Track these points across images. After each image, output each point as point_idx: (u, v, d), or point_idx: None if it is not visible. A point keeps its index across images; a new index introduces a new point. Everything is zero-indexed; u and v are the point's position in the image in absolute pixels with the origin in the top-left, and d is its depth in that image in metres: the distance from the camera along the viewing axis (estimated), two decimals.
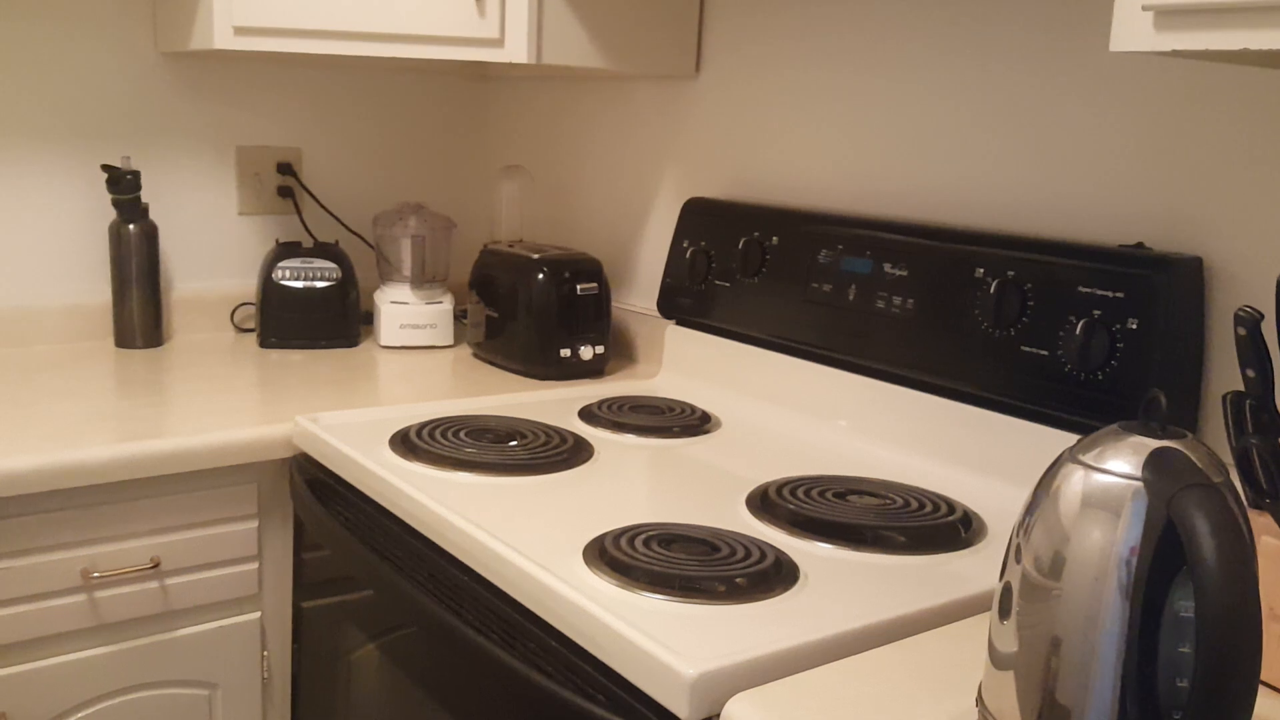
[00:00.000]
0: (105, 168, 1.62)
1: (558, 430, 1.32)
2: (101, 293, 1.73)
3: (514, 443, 1.26)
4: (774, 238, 1.46)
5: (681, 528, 1.01)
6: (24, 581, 1.18)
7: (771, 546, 0.98)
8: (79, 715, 1.24)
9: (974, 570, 0.98)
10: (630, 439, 1.34)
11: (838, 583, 0.93)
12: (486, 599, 0.98)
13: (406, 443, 1.23)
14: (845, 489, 1.14)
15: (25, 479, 1.14)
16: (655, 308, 1.73)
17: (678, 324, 1.63)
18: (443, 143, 2.07)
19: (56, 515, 1.19)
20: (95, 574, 1.21)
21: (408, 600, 1.05)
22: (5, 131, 1.63)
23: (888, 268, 1.30)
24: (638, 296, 1.81)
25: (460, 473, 1.16)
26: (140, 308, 1.69)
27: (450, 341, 1.83)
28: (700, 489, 1.16)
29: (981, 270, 1.19)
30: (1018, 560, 0.70)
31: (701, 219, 1.58)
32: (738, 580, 0.90)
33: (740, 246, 1.49)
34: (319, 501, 1.23)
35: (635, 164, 1.80)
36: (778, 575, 0.93)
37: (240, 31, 1.48)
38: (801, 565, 0.96)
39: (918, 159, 1.36)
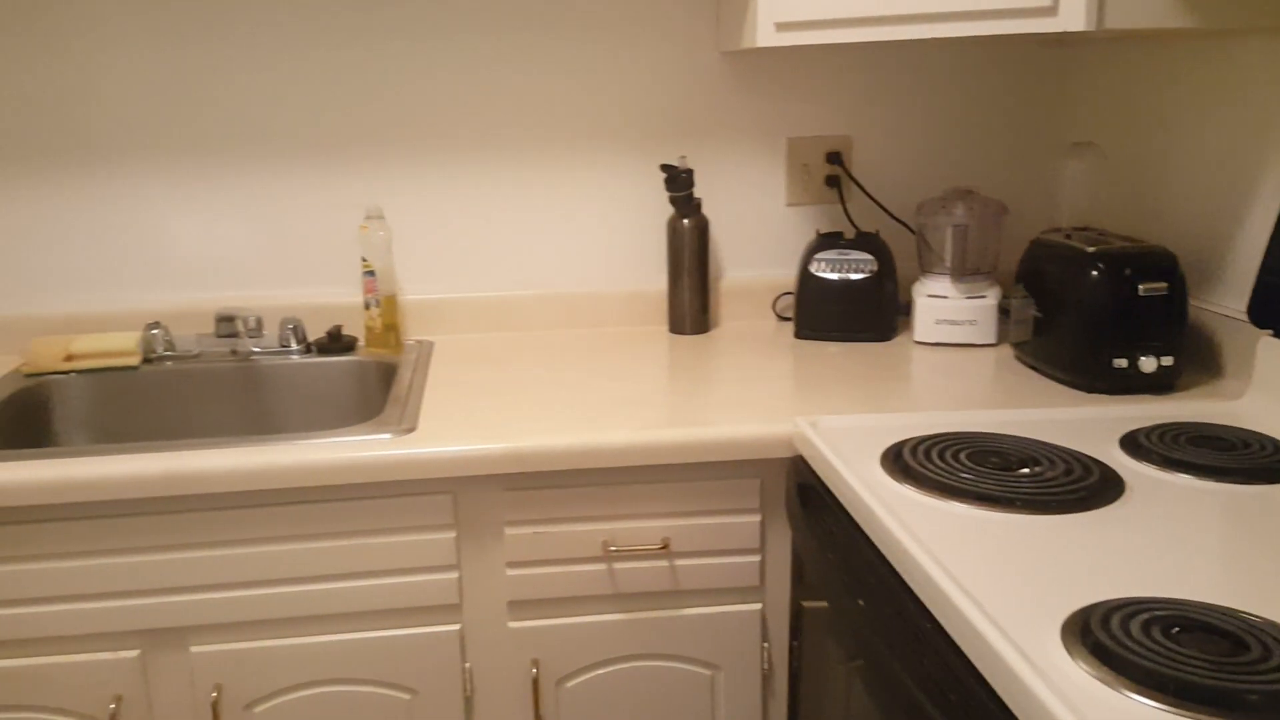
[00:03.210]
0: (664, 167, 1.74)
1: (1084, 460, 1.13)
2: (658, 281, 1.88)
3: (1025, 470, 1.10)
4: None
5: (1205, 610, 0.80)
6: (555, 547, 1.32)
7: None
8: (601, 671, 1.37)
9: None
10: (1182, 479, 1.10)
11: None
12: (945, 653, 0.86)
13: (898, 460, 1.14)
14: None
15: (558, 457, 1.28)
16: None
17: (1274, 335, 1.31)
18: (1002, 120, 1.89)
19: (584, 490, 1.31)
20: (613, 547, 1.32)
21: (861, 634, 0.97)
22: (583, 136, 1.83)
23: None
24: (1230, 297, 1.48)
25: (950, 501, 1.05)
26: (691, 296, 1.80)
27: (992, 340, 1.68)
28: (1256, 557, 0.91)
29: None
30: None
31: None
32: (1256, 696, 0.68)
33: None
34: (802, 507, 1.19)
35: (1234, 137, 1.47)
36: None
37: (781, 27, 1.48)
38: None
39: None
